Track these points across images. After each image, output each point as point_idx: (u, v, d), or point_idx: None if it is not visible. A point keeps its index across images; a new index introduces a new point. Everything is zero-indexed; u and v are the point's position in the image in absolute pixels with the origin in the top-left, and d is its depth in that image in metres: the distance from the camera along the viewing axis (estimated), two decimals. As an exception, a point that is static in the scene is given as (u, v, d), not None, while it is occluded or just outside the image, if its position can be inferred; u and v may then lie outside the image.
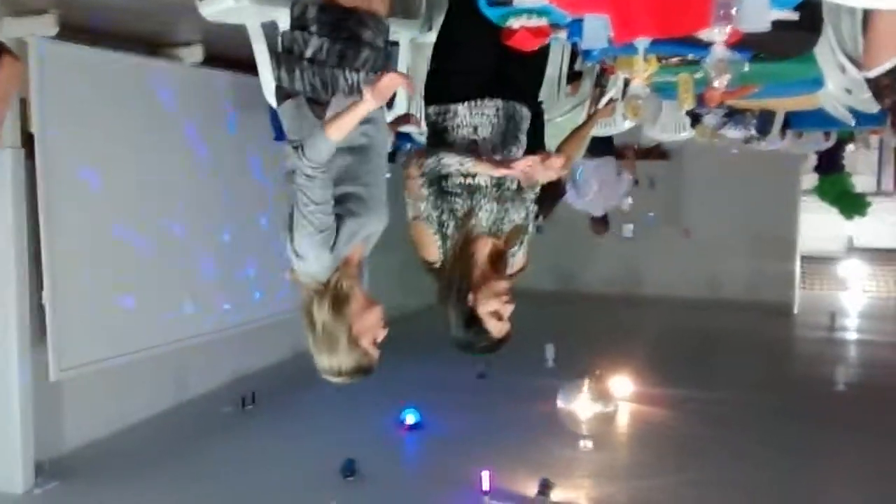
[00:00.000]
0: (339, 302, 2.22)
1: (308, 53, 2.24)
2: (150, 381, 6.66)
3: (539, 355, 8.36)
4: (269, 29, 3.07)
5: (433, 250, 2.62)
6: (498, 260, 2.61)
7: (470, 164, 2.53)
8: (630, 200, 12.18)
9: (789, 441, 6.26)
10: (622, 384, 7.15)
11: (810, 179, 9.98)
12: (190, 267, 6.34)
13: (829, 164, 8.77)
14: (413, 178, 2.62)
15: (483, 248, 2.58)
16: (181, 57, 6.20)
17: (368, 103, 2.03)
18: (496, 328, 2.54)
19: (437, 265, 2.63)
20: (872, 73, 2.33)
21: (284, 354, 8.74)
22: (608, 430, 6.30)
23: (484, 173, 2.56)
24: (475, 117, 2.66)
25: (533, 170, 2.51)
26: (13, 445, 5.25)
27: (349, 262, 2.28)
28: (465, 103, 2.65)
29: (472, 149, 2.62)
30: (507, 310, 2.54)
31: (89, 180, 5.42)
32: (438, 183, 2.59)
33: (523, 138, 2.77)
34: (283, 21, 2.68)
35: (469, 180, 2.60)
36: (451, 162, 2.53)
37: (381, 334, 2.31)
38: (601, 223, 7.72)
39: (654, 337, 9.78)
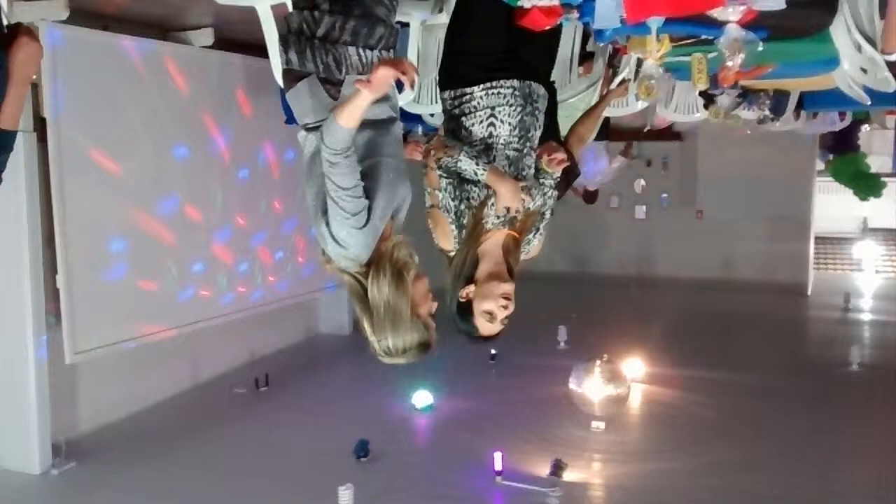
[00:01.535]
0: (398, 273, 2.17)
1: (320, 32, 2.20)
2: (166, 363, 6.71)
3: (552, 336, 8.38)
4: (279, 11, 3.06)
5: (449, 240, 2.61)
6: (513, 250, 2.60)
7: (483, 174, 2.52)
8: (643, 182, 12.20)
9: (803, 421, 6.26)
10: (635, 365, 7.15)
11: (824, 158, 9.89)
12: (204, 249, 6.35)
13: (844, 144, 8.69)
14: (432, 169, 2.61)
15: (495, 239, 2.58)
16: (192, 41, 6.19)
17: (367, 96, 2.01)
18: (484, 327, 2.54)
19: (452, 253, 2.62)
20: (895, 56, 2.29)
21: (298, 337, 8.81)
22: (620, 412, 6.30)
23: (492, 184, 2.56)
24: (491, 98, 2.63)
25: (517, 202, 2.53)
26: (30, 427, 5.31)
27: (384, 236, 2.23)
28: (481, 85, 2.63)
29: (488, 147, 2.60)
30: (503, 313, 2.52)
31: (101, 164, 5.42)
32: (458, 172, 2.58)
33: (542, 118, 2.74)
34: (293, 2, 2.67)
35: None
36: (467, 167, 2.52)
37: (433, 306, 2.26)
38: (591, 195, 8.44)
39: (666, 318, 9.76)
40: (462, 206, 2.57)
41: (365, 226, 2.14)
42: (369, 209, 2.14)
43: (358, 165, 2.11)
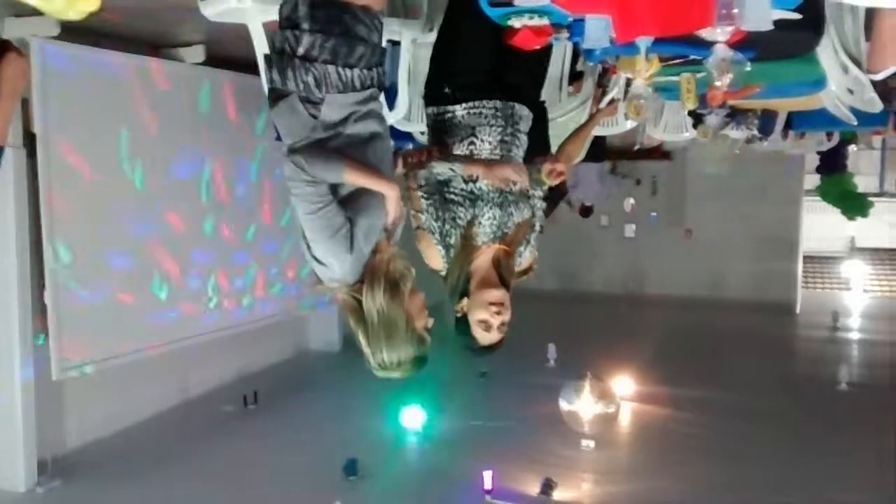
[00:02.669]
0: (394, 285, 2.18)
1: (300, 51, 2.20)
2: (154, 379, 6.67)
3: (541, 354, 8.38)
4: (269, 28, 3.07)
5: (437, 260, 2.64)
6: (504, 263, 2.62)
7: (459, 167, 2.55)
8: (632, 201, 12.24)
9: (792, 440, 6.27)
10: (624, 384, 7.15)
11: (813, 179, 9.97)
12: (192, 265, 6.33)
13: (832, 164, 8.75)
14: (413, 190, 2.63)
15: (486, 255, 2.60)
16: (183, 57, 6.20)
17: (387, 193, 2.18)
18: (482, 337, 2.56)
19: (443, 273, 2.64)
20: (880, 76, 2.31)
21: (288, 353, 8.77)
22: (610, 430, 6.30)
23: (475, 174, 2.58)
24: (472, 118, 2.67)
25: (520, 176, 2.54)
26: (15, 444, 5.26)
27: (378, 250, 2.24)
28: (463, 105, 2.66)
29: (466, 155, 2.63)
30: (497, 320, 2.53)
31: (90, 180, 5.41)
32: (440, 192, 2.60)
33: (523, 138, 2.77)
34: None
35: (471, 186, 2.62)
36: (442, 169, 2.55)
37: (430, 321, 2.26)
38: (587, 210, 9.20)
39: (656, 336, 9.78)
40: (447, 227, 2.60)
41: (346, 247, 2.15)
42: (351, 234, 2.15)
43: (327, 191, 2.14)
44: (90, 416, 6.12)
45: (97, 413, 6.17)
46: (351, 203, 2.18)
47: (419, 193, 2.61)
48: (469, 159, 2.61)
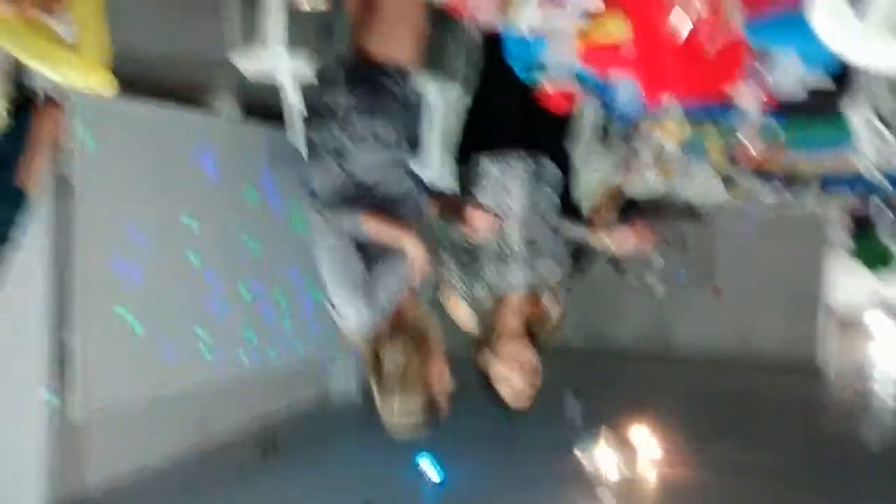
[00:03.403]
0: (419, 342, 2.18)
1: (334, 107, 2.24)
2: (171, 424, 6.65)
3: (565, 411, 8.27)
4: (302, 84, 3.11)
5: (468, 323, 2.63)
6: (534, 320, 2.60)
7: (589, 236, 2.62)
8: (661, 259, 12.17)
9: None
10: (648, 441, 7.03)
11: (843, 240, 9.86)
12: (219, 312, 6.38)
13: (865, 227, 8.67)
14: (451, 299, 2.64)
15: (514, 308, 2.58)
16: (217, 108, 6.30)
17: (408, 246, 2.16)
18: (507, 395, 2.53)
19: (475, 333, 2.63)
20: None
21: (308, 401, 8.73)
22: (633, 489, 6.17)
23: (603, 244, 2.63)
24: (502, 171, 2.66)
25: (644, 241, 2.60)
26: (33, 486, 5.24)
27: (407, 309, 2.24)
28: (494, 160, 2.66)
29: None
30: (517, 377, 2.51)
31: (120, 227, 5.49)
32: (466, 250, 2.60)
33: (550, 192, 2.77)
34: (313, 76, 2.72)
35: (502, 245, 2.61)
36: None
37: (449, 385, 2.25)
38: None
39: (682, 394, 9.61)
40: (474, 288, 2.59)
41: (366, 301, 2.14)
42: (370, 284, 2.15)
43: (346, 236, 2.14)
44: (109, 459, 6.09)
45: (116, 456, 6.14)
46: (372, 254, 2.18)
47: (454, 293, 2.63)
48: (595, 227, 2.66)
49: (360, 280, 2.14)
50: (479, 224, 2.50)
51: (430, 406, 2.18)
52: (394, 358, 2.15)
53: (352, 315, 2.17)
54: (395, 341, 2.16)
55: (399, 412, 2.17)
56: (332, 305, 2.22)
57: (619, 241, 2.67)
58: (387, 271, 2.18)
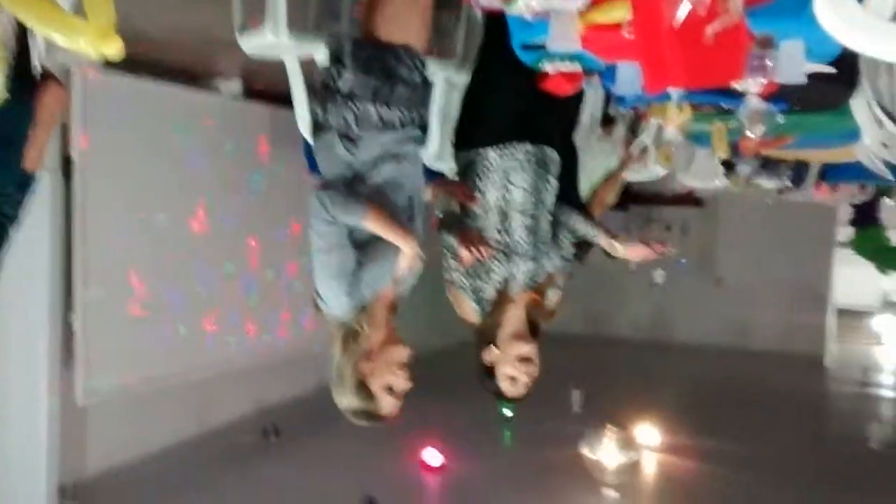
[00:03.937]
0: (347, 339, 2.21)
1: (342, 88, 2.23)
2: (174, 409, 6.67)
3: (565, 400, 8.28)
4: (307, 64, 3.11)
5: (472, 315, 2.65)
6: (536, 312, 2.62)
7: (602, 237, 2.71)
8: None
9: (817, 500, 6.11)
10: (649, 433, 7.04)
11: (845, 231, 9.84)
12: (221, 297, 6.39)
13: (866, 217, 8.64)
14: (454, 289, 2.66)
15: (518, 305, 2.59)
16: (220, 88, 6.30)
17: (403, 246, 2.16)
18: (508, 391, 2.57)
19: (478, 324, 2.65)
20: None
21: (309, 387, 8.75)
22: (633, 480, 6.19)
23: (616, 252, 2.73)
24: (506, 161, 2.65)
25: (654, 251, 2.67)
26: (39, 468, 5.27)
27: (380, 303, 2.25)
28: (495, 147, 2.66)
29: (503, 213, 2.64)
30: (525, 378, 2.55)
31: (124, 206, 5.50)
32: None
33: (554, 182, 2.77)
34: (320, 57, 2.72)
35: (506, 239, 2.62)
36: (586, 230, 2.62)
37: (400, 384, 2.23)
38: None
39: (682, 385, 9.64)
40: (478, 282, 2.60)
41: (350, 295, 2.17)
42: (357, 278, 2.16)
43: (343, 234, 2.15)
44: (112, 442, 6.12)
45: (119, 440, 6.17)
46: (364, 248, 2.20)
47: (459, 287, 2.64)
48: (610, 233, 2.72)
49: (350, 273, 2.16)
50: (464, 255, 2.55)
51: (365, 400, 2.21)
52: (334, 353, 2.21)
53: (333, 302, 2.20)
54: (337, 335, 2.21)
55: (337, 401, 2.24)
56: (315, 290, 2.25)
57: (633, 253, 2.71)
58: (375, 264, 2.20)
